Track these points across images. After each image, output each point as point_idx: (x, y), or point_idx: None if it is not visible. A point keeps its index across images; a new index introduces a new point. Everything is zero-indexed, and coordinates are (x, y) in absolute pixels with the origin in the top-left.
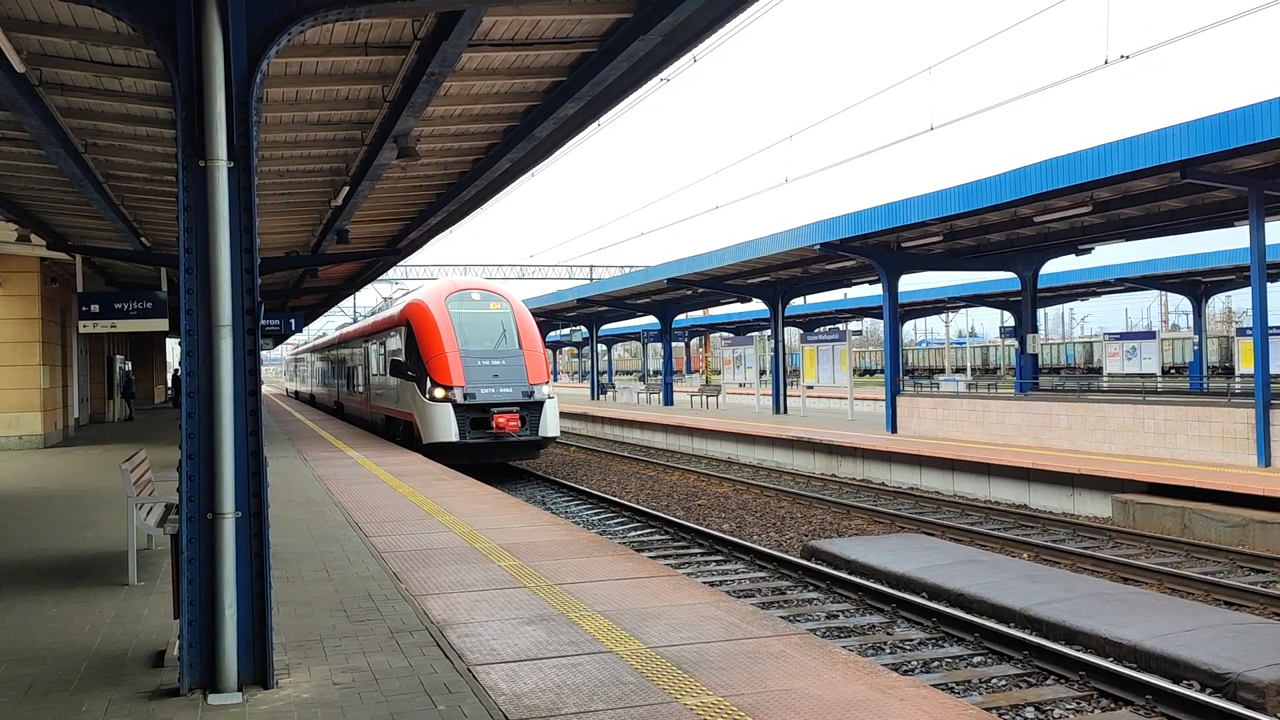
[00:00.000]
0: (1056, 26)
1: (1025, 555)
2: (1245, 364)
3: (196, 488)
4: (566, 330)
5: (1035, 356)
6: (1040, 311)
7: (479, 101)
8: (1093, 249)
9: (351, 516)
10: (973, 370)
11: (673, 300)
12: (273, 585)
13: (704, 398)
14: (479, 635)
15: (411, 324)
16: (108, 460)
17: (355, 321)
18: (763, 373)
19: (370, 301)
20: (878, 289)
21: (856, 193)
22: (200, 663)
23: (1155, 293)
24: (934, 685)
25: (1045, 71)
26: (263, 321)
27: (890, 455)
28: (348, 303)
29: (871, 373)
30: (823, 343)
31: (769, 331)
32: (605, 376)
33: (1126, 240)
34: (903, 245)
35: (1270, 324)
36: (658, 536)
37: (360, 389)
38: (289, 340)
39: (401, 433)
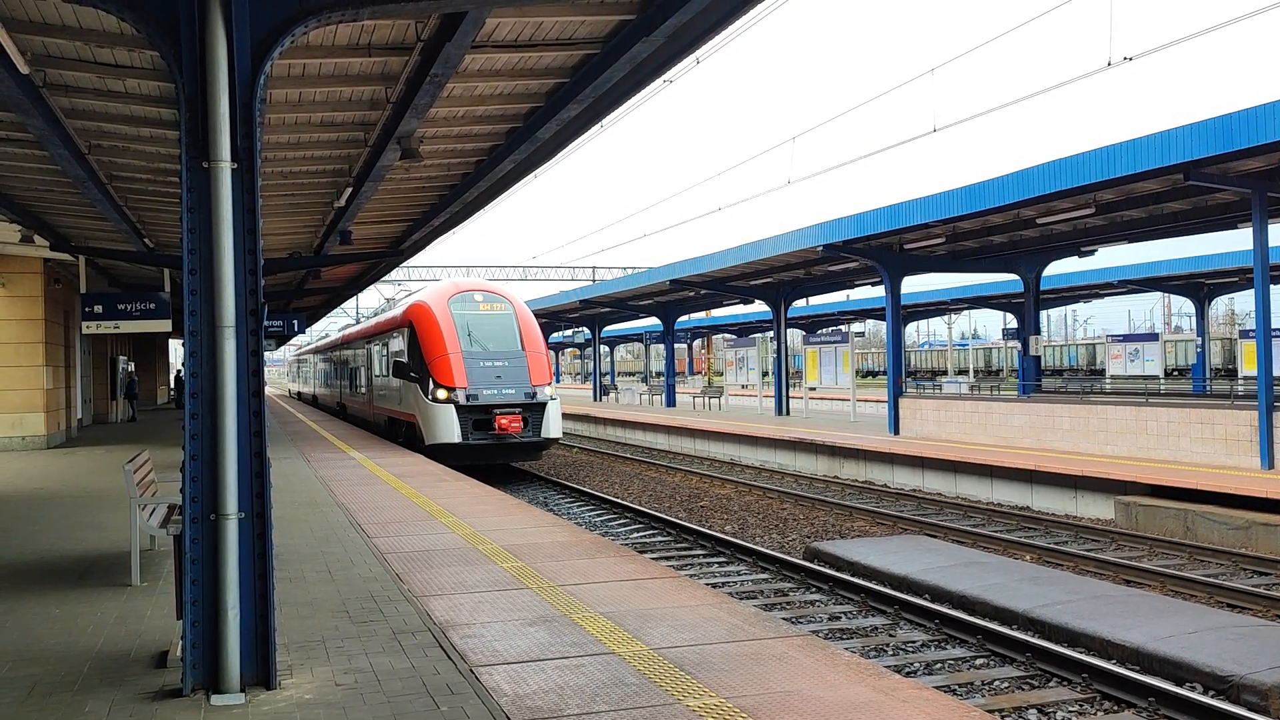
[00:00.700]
0: (1059, 28)
1: (1028, 557)
2: (1248, 366)
3: (200, 488)
4: (569, 331)
5: (1038, 358)
6: (1043, 313)
7: (482, 103)
8: (1096, 251)
9: (354, 518)
10: (975, 372)
11: (675, 301)
12: (275, 586)
13: (706, 399)
14: (481, 636)
15: (414, 325)
16: (111, 461)
17: (358, 322)
18: (765, 374)
19: (373, 303)
20: (880, 291)
21: (859, 194)
22: (203, 663)
23: (1158, 295)
24: (936, 687)
25: (1048, 73)
26: (266, 322)
27: (893, 457)
28: (350, 304)
29: (874, 374)
30: (825, 344)
31: (771, 333)
32: (608, 378)
33: (1129, 242)
34: (905, 247)
35: (1273, 326)
36: (660, 538)
37: (363, 390)
38: (292, 341)
39: (404, 434)
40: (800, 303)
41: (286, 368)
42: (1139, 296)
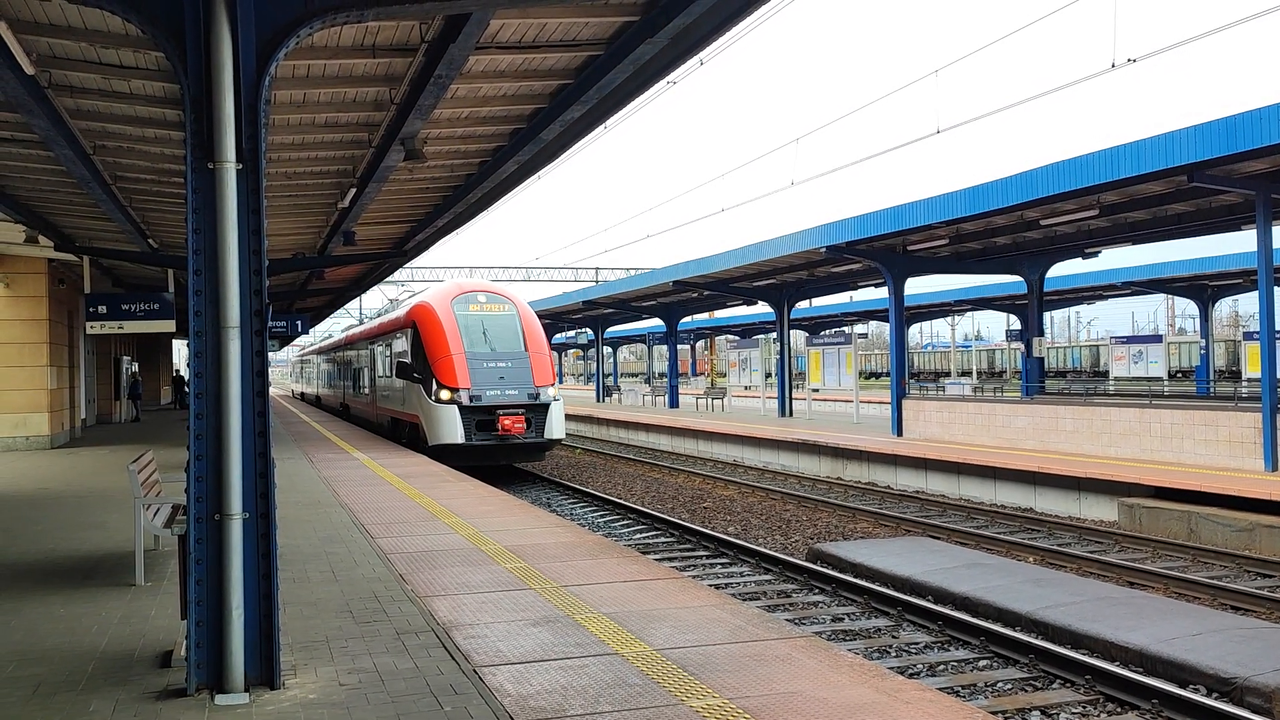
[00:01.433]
0: (1063, 30)
1: (1031, 559)
2: (1252, 368)
3: (204, 489)
4: (572, 332)
5: (1041, 360)
6: (1046, 315)
7: (486, 104)
8: (1099, 252)
9: (357, 518)
10: (979, 373)
11: (678, 303)
12: (279, 586)
13: (709, 400)
14: (485, 637)
15: (417, 326)
16: (115, 461)
17: (361, 323)
18: (768, 375)
19: (376, 303)
20: (883, 292)
21: (863, 196)
22: (207, 663)
23: (1162, 296)
24: (940, 689)
25: (1052, 75)
26: (270, 323)
27: (896, 458)
28: (354, 304)
29: (877, 376)
30: (828, 345)
31: (774, 334)
32: (610, 379)
33: (1133, 244)
34: (909, 248)
35: (1277, 328)
36: (663, 539)
37: (366, 391)
38: (295, 342)
39: (407, 434)
40: (803, 304)
41: (290, 368)
42: (1143, 298)
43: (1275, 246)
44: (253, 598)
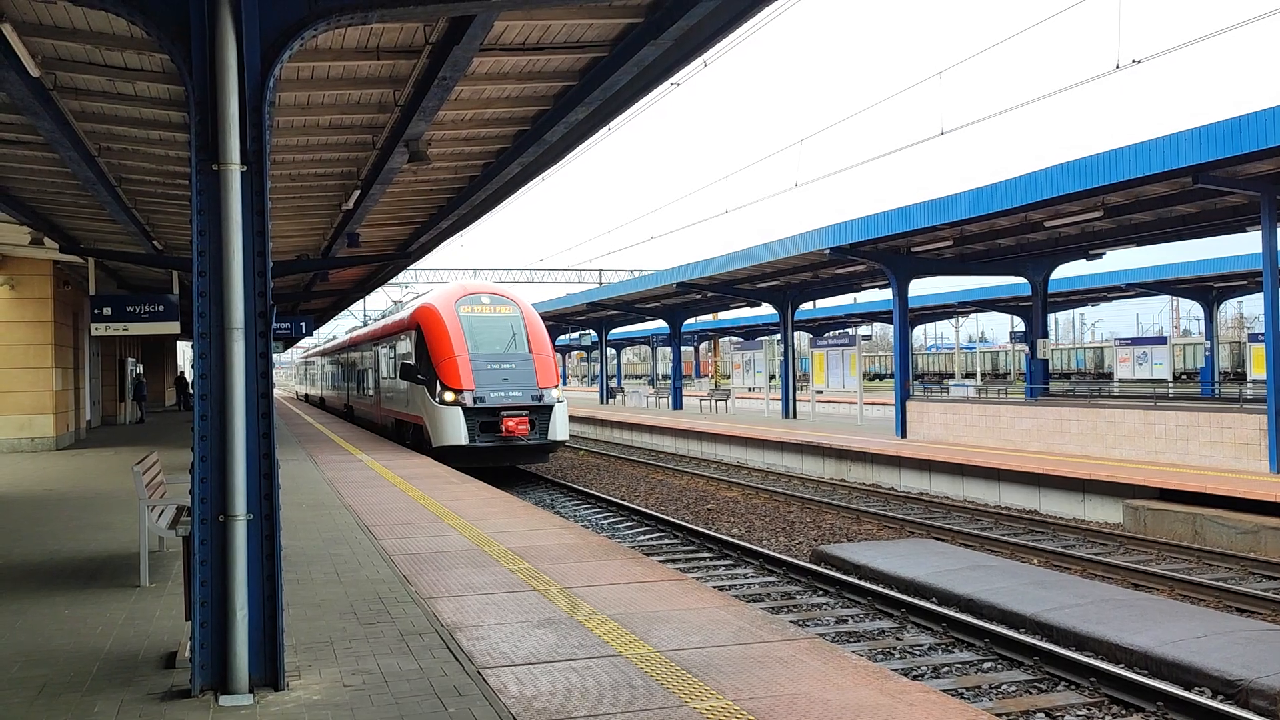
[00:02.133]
0: (1067, 31)
1: (1035, 561)
2: (1257, 370)
3: (208, 490)
4: (576, 334)
5: (1046, 361)
6: (1051, 316)
7: (490, 106)
8: (1104, 254)
9: (361, 519)
10: (983, 375)
11: (682, 304)
12: (283, 587)
13: (713, 402)
14: (489, 638)
15: (421, 327)
16: (119, 462)
17: (365, 325)
18: (772, 377)
19: (380, 305)
20: (887, 294)
21: (867, 197)
22: (211, 664)
23: (1167, 298)
24: (944, 691)
25: (1056, 76)
26: (274, 324)
27: (900, 460)
28: (358, 306)
29: (881, 377)
30: (832, 347)
31: (778, 336)
32: (614, 380)
33: (1138, 245)
34: (913, 250)
35: None
36: (667, 540)
37: (370, 392)
38: (299, 343)
39: (411, 436)
40: (807, 305)
41: (294, 370)
42: (1147, 300)
43: None
44: (257, 599)
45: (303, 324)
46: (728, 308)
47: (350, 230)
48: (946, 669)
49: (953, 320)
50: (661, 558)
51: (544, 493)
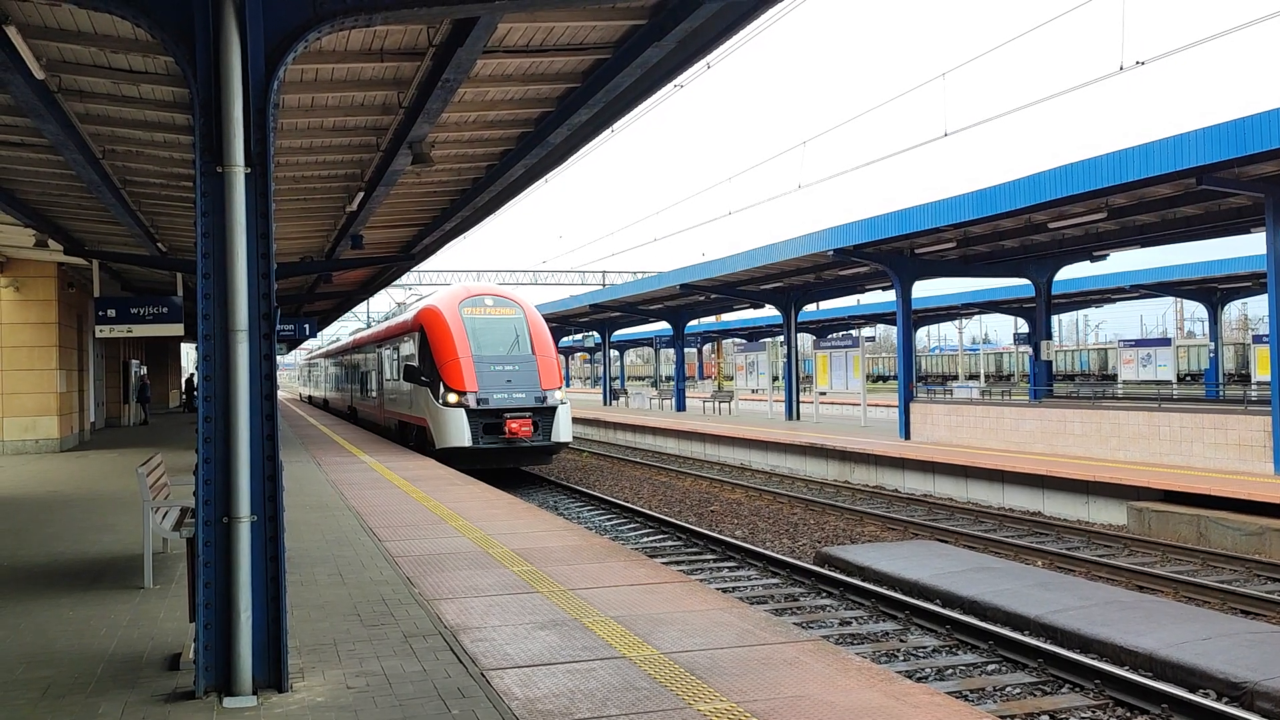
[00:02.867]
0: (1071, 32)
1: (1039, 563)
2: (1261, 371)
3: (212, 491)
4: (579, 336)
5: (1049, 363)
6: (1054, 318)
7: (493, 108)
8: (1108, 255)
9: (365, 521)
10: (986, 377)
11: (685, 306)
12: (287, 589)
13: (716, 403)
14: (492, 640)
15: (425, 329)
16: (123, 464)
17: (369, 327)
18: (775, 379)
19: (384, 307)
20: (891, 295)
21: (870, 199)
22: (215, 666)
23: (1170, 299)
24: (948, 693)
25: (1060, 77)
26: (278, 326)
27: (903, 462)
28: (361, 308)
29: (885, 379)
30: (836, 349)
31: (782, 337)
32: (617, 382)
33: (1142, 246)
34: (916, 251)
35: None
36: (670, 542)
37: (373, 394)
38: (303, 345)
39: (414, 438)
40: (811, 307)
41: (297, 372)
42: (1151, 301)
43: None
44: (260, 601)
45: (306, 326)
46: (731, 309)
47: (354, 232)
48: (951, 671)
49: (956, 322)
50: (665, 560)
51: (547, 494)
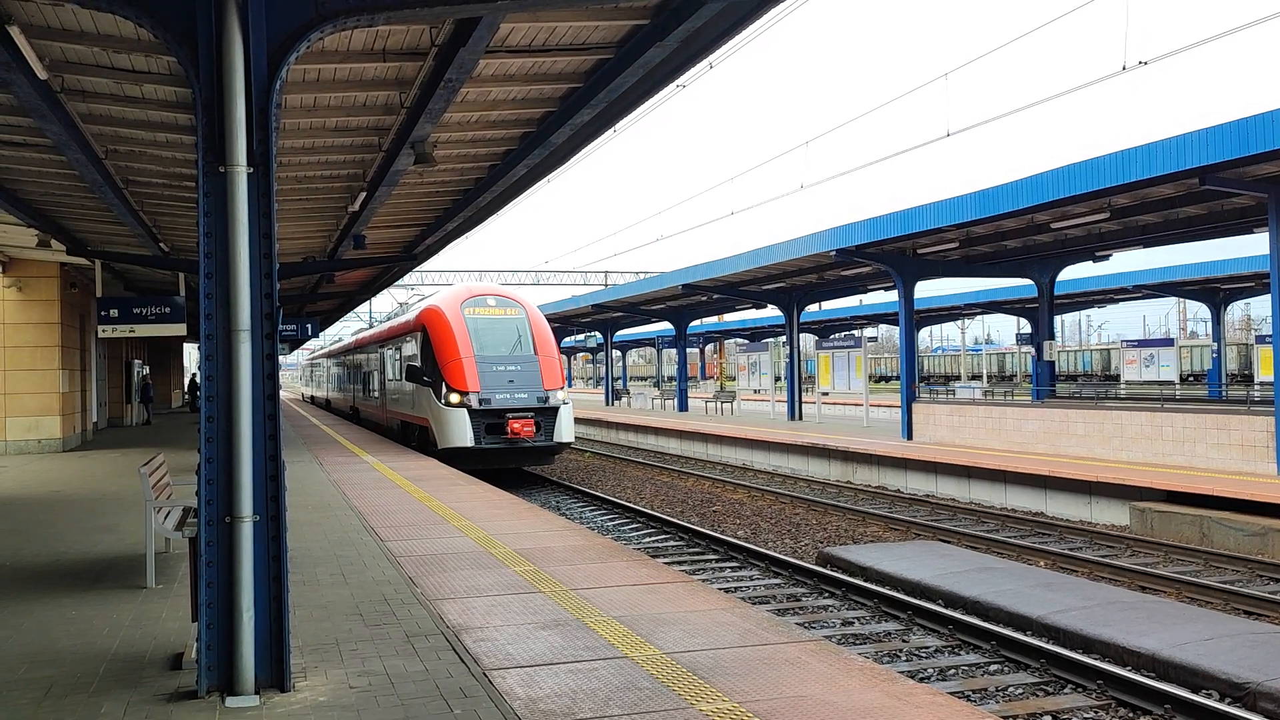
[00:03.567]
0: (1074, 33)
1: (1042, 563)
2: (1265, 371)
3: (215, 491)
4: (581, 336)
5: (1052, 363)
6: (1057, 318)
7: (496, 108)
8: (1110, 255)
9: (367, 521)
10: (989, 377)
11: (688, 306)
12: (290, 589)
13: (719, 404)
14: (494, 640)
15: (427, 329)
16: (126, 464)
17: (371, 327)
18: (778, 379)
19: (386, 307)
20: (893, 295)
21: (873, 199)
22: (218, 666)
23: (1173, 300)
24: (950, 693)
25: (1063, 77)
26: (280, 326)
27: (906, 462)
28: (364, 308)
29: (887, 379)
30: (838, 349)
31: (784, 337)
32: (620, 382)
33: (1144, 247)
34: (919, 252)
35: None
36: (673, 542)
37: (376, 394)
38: (305, 345)
39: (417, 438)
40: (813, 307)
41: (300, 372)
42: (1154, 301)
43: None
44: (263, 600)
45: (309, 326)
46: (733, 309)
47: (356, 232)
48: (953, 671)
49: (959, 322)
50: (667, 560)
51: (549, 494)
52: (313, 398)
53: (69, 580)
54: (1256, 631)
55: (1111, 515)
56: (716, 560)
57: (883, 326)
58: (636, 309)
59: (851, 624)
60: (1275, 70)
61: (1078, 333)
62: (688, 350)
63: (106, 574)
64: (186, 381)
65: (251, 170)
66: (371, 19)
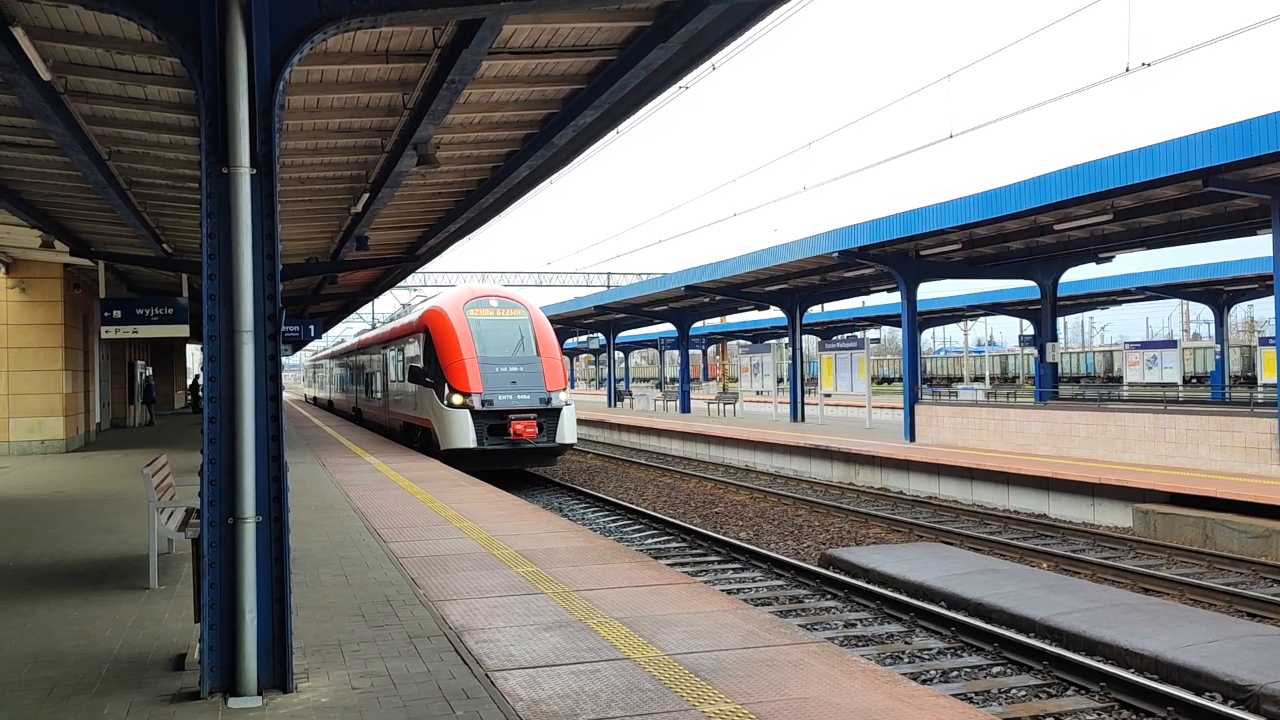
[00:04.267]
0: (1077, 34)
1: (1045, 565)
2: (1268, 373)
3: (218, 492)
4: (584, 337)
5: (1055, 365)
6: (1060, 320)
7: (499, 109)
8: (1113, 257)
9: (370, 522)
10: (991, 379)
11: (690, 307)
12: (292, 590)
13: (721, 405)
14: (497, 641)
15: (430, 330)
16: (129, 465)
17: (374, 328)
18: (780, 380)
19: (389, 308)
20: (896, 297)
21: (875, 200)
22: (220, 666)
23: (1176, 301)
24: (953, 695)
25: (1066, 79)
26: (283, 328)
27: (908, 464)
28: (366, 309)
29: (889, 381)
30: (841, 350)
31: (787, 339)
32: (622, 383)
33: (1147, 248)
34: (921, 253)
35: None
36: (675, 544)
37: (378, 395)
38: (308, 346)
39: (419, 439)
40: (816, 309)
41: (302, 373)
42: (1157, 303)
43: None
44: (266, 601)
45: (311, 327)
46: (736, 311)
47: (359, 233)
48: (955, 673)
49: (961, 324)
50: (669, 561)
51: (552, 496)
52: (315, 399)
53: (72, 581)
54: (1260, 634)
55: (1114, 517)
56: (719, 562)
57: (885, 328)
58: (639, 310)
59: (854, 626)
60: (1279, 72)
61: (1080, 334)
62: (690, 352)
63: (109, 575)
64: (189, 382)
65: (254, 171)
66: (375, 20)
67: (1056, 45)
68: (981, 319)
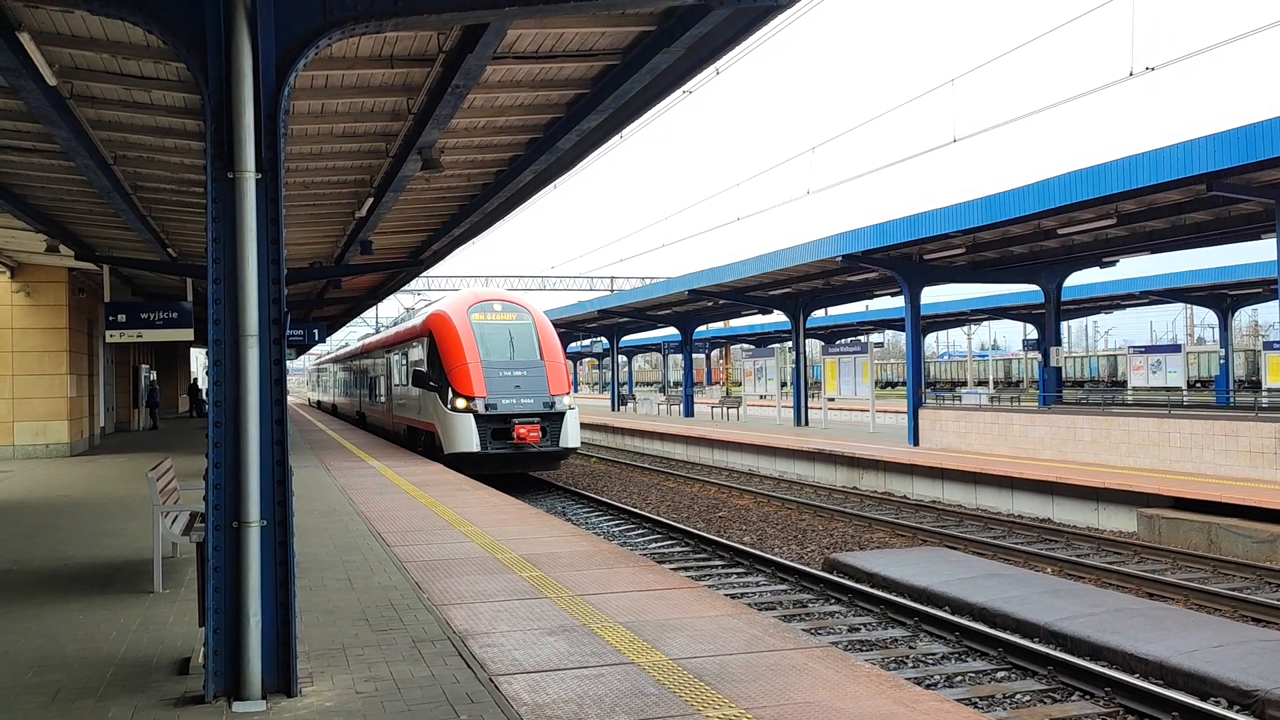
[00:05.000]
0: (1081, 39)
1: (1049, 570)
2: (1272, 377)
3: (222, 496)
4: (587, 341)
5: (1059, 369)
6: (1064, 324)
7: (503, 113)
8: (1117, 261)
9: (374, 526)
10: (995, 383)
11: (694, 312)
12: (296, 594)
13: (725, 409)
14: (501, 645)
15: (434, 334)
16: (133, 469)
17: (377, 332)
18: (784, 384)
19: (392, 312)
20: (900, 301)
21: (879, 205)
22: (225, 671)
23: (1180, 306)
24: (957, 700)
25: (1069, 83)
26: (287, 331)
27: (912, 468)
28: (370, 313)
29: (893, 385)
30: (844, 354)
31: (790, 343)
32: (626, 387)
33: (1151, 253)
34: (925, 257)
35: None
36: (679, 548)
37: (382, 399)
38: (312, 350)
39: (423, 443)
40: (819, 313)
41: (306, 376)
42: (1161, 307)
43: None
44: (270, 605)
45: (315, 331)
46: (739, 315)
47: (363, 238)
48: (960, 678)
49: (965, 328)
50: (673, 565)
51: (555, 500)
52: (319, 403)
53: (76, 585)
54: (1265, 639)
55: (1119, 522)
56: (723, 566)
57: (889, 332)
58: (643, 314)
59: (858, 630)
60: None
61: (1084, 338)
62: (694, 355)
63: (114, 578)
64: (188, 386)
65: (260, 176)
66: (380, 25)
67: (1060, 50)
68: (985, 323)
